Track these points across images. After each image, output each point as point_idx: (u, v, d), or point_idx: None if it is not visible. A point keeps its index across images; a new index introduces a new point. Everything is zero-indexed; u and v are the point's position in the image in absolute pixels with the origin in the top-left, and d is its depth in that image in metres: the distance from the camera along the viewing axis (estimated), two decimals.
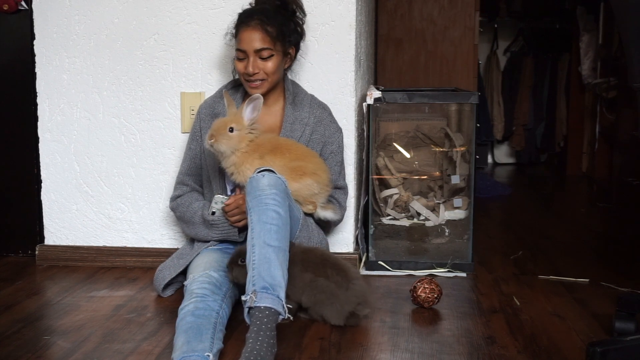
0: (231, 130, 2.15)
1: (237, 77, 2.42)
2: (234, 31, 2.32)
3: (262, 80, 2.27)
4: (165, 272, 2.27)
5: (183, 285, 2.12)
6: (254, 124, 2.19)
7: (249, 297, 1.75)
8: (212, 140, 2.14)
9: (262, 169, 2.01)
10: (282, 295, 1.78)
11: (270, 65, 2.26)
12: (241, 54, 2.27)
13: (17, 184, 2.78)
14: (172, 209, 2.42)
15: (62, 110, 2.68)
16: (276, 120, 2.37)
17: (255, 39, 2.24)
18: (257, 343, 1.65)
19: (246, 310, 1.76)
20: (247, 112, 2.17)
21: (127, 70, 2.63)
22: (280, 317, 1.75)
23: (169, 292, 2.30)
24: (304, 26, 2.41)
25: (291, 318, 1.80)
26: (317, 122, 2.36)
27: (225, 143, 2.14)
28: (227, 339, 1.85)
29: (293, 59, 2.39)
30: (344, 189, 2.44)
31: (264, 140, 2.22)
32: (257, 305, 1.73)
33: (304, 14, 2.42)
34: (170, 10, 2.58)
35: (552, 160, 5.88)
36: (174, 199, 2.41)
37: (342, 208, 2.43)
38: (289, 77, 2.47)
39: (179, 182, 2.42)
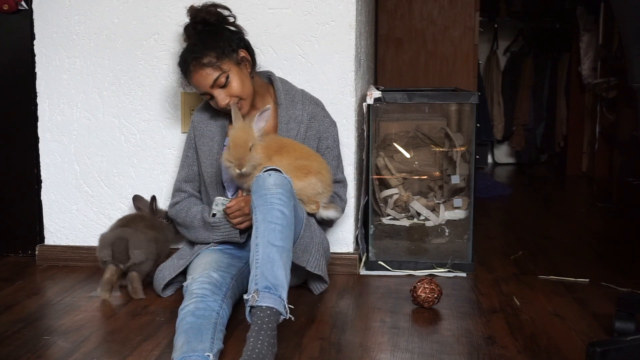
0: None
1: None
2: (187, 82, 2.34)
3: (239, 101, 2.24)
4: (165, 272, 2.27)
5: (182, 286, 2.12)
6: (261, 133, 2.18)
7: (251, 296, 1.75)
8: (244, 169, 2.12)
9: (268, 168, 2.00)
10: (284, 295, 1.78)
11: (233, 86, 2.22)
12: (206, 96, 2.26)
13: (17, 184, 2.78)
14: (172, 216, 2.41)
15: (62, 110, 2.68)
16: (270, 122, 2.35)
17: (203, 78, 2.21)
18: (258, 343, 1.65)
19: (248, 309, 1.76)
20: (259, 123, 2.15)
21: (127, 70, 2.63)
22: (282, 317, 1.75)
23: (168, 292, 2.30)
24: (236, 21, 2.35)
25: (292, 318, 1.80)
26: (311, 118, 2.35)
27: (253, 164, 2.13)
28: (227, 339, 1.85)
29: (250, 60, 2.31)
30: (343, 182, 2.43)
31: (270, 142, 2.21)
32: (259, 304, 1.72)
33: (229, 10, 2.34)
34: (170, 10, 2.58)
35: (552, 160, 5.88)
36: (172, 206, 2.40)
37: (343, 201, 2.43)
38: (278, 75, 2.45)
39: (177, 190, 2.41)
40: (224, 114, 2.34)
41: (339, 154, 2.44)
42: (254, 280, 1.79)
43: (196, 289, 1.93)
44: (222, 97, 2.22)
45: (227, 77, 2.21)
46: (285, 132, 2.31)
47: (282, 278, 1.79)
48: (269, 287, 1.76)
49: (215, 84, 2.21)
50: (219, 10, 2.32)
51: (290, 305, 1.78)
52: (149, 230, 2.36)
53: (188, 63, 2.23)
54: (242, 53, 2.27)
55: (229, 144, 2.16)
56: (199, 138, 2.35)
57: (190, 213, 2.31)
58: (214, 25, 2.28)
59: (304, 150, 2.26)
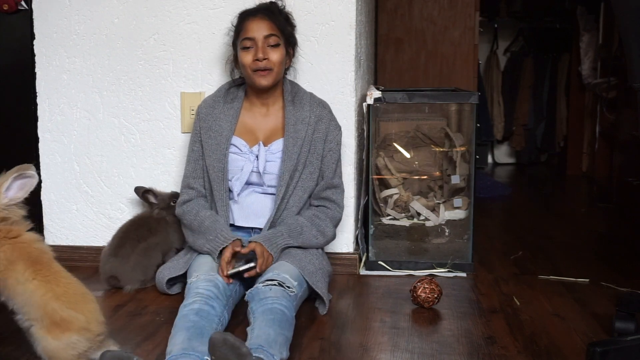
0: None
1: (235, 77, 2.42)
2: (236, 24, 2.32)
3: (270, 69, 2.26)
4: (165, 272, 2.26)
5: (188, 282, 2.07)
6: (13, 204, 1.65)
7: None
8: None
9: (266, 278, 1.97)
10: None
11: (277, 54, 2.26)
12: (248, 43, 2.26)
13: None
14: (178, 215, 2.34)
15: (62, 110, 2.68)
16: (277, 121, 2.34)
17: (264, 27, 2.26)
18: None
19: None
20: (13, 187, 1.64)
21: (127, 70, 2.63)
22: None
23: (175, 290, 2.29)
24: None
25: None
26: (318, 120, 2.33)
27: None
28: None
29: (291, 59, 2.39)
30: (338, 187, 2.35)
31: (29, 241, 1.70)
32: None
33: (294, 26, 2.44)
34: (170, 10, 2.58)
35: (552, 160, 5.88)
36: (181, 204, 2.33)
37: (340, 207, 2.35)
38: (288, 77, 2.46)
39: (186, 186, 2.35)
40: (233, 107, 2.33)
41: (339, 158, 2.39)
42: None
43: (202, 289, 1.92)
44: (264, 50, 2.24)
45: (278, 44, 2.28)
46: (293, 132, 2.28)
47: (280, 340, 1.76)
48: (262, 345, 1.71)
49: (268, 37, 2.26)
50: (289, 16, 2.43)
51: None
52: (138, 253, 2.37)
53: (258, 11, 2.31)
54: (291, 51, 2.38)
55: None
56: (205, 131, 2.32)
57: (199, 217, 2.25)
58: (284, 17, 2.38)
59: (71, 287, 1.74)
